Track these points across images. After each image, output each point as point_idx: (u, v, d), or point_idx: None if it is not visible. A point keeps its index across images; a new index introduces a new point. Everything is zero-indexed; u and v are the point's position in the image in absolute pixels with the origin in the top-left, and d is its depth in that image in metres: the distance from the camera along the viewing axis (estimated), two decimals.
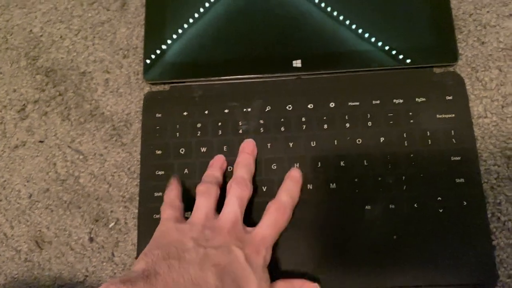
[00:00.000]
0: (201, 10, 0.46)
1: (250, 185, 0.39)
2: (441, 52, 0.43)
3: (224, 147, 0.42)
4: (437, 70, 0.43)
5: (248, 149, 0.41)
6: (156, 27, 0.46)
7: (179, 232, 0.34)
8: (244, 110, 0.43)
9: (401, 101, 0.42)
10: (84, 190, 0.43)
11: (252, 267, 0.33)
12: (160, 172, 0.42)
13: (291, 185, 0.39)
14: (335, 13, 0.44)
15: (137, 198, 0.42)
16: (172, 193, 0.39)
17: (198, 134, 0.42)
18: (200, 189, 0.38)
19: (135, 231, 0.41)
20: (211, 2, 0.46)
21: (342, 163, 0.41)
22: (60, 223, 0.42)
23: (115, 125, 0.44)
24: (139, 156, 0.43)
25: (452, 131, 0.41)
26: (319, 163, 0.41)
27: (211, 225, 0.35)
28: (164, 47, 0.45)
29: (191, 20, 0.45)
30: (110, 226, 0.42)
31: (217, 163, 0.41)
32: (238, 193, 0.37)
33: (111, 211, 0.42)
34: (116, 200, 0.42)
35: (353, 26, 0.44)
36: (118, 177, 0.43)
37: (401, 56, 0.43)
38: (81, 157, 0.44)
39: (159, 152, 0.42)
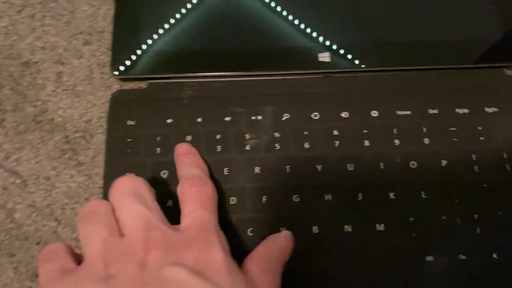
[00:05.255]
0: None
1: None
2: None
3: (225, 169, 0.30)
4: (508, 72, 0.32)
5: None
6: (130, 4, 0.33)
7: None
8: (253, 118, 0.31)
9: (466, 111, 0.31)
10: (21, 230, 0.30)
11: (208, 276, 0.21)
12: None
13: (187, 158, 0.29)
14: None
15: None
16: None
17: None
18: (81, 213, 0.24)
19: None
20: None
21: (391, 195, 0.29)
22: None
23: (69, 137, 0.31)
24: (101, 181, 0.30)
25: None
26: (360, 195, 0.29)
27: (116, 253, 0.22)
28: (141, 30, 0.33)
29: None
30: None
31: None
32: (127, 190, 0.24)
33: None
34: None
35: (410, 14, 0.33)
36: (70, 211, 0.30)
37: (462, 52, 0.32)
38: (18, 181, 0.31)
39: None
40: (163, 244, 0.22)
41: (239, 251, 0.25)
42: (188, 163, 0.28)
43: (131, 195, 0.24)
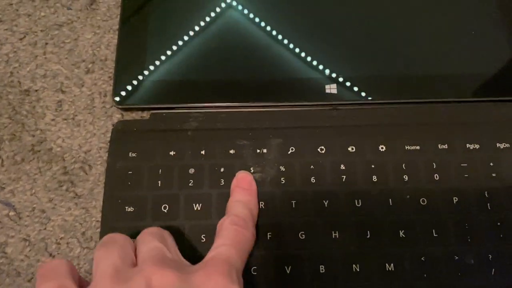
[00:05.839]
0: (202, 12, 0.33)
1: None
2: None
3: None
4: None
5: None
6: (134, 33, 0.33)
7: None
8: (258, 151, 0.30)
9: (476, 146, 0.30)
10: (12, 266, 0.28)
11: None
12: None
13: (244, 194, 0.28)
14: (388, 25, 0.33)
15: None
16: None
17: (190, 184, 0.29)
18: (100, 242, 0.24)
19: None
20: (216, 2, 0.34)
21: (401, 234, 0.28)
22: None
23: (67, 168, 0.30)
24: (99, 215, 0.29)
25: None
26: (368, 232, 0.28)
27: (126, 277, 0.21)
28: (145, 59, 0.32)
29: (185, 25, 0.33)
30: None
31: None
32: (151, 231, 0.25)
33: None
34: None
35: (421, 49, 0.32)
36: (66, 245, 0.29)
37: (473, 86, 0.32)
38: (11, 213, 0.29)
39: (130, 209, 0.28)
40: (177, 273, 0.21)
41: None
42: (242, 200, 0.27)
43: (154, 234, 0.24)
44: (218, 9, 0.33)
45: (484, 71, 0.32)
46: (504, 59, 0.32)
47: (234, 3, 0.33)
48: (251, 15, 0.33)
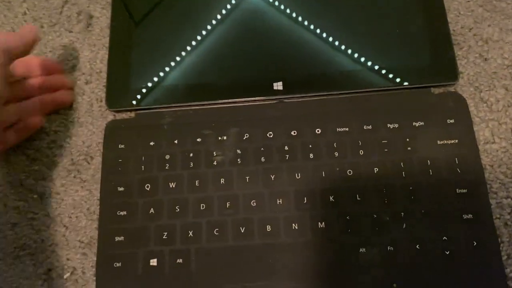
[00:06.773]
0: (171, 31, 0.41)
1: None
2: (439, 70, 0.38)
3: (196, 181, 0.37)
4: (435, 91, 0.38)
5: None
6: (121, 49, 0.41)
7: None
8: (219, 138, 0.38)
9: (396, 125, 0.37)
10: (38, 235, 0.37)
11: None
12: (122, 213, 0.36)
13: None
14: (319, 31, 0.40)
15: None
16: None
17: (166, 167, 0.37)
18: None
19: (94, 282, 0.36)
20: (182, 23, 0.41)
21: (331, 198, 0.35)
22: (7, 274, 0.36)
23: (74, 159, 0.39)
24: (99, 194, 0.37)
25: (456, 159, 0.36)
26: (305, 198, 0.35)
27: None
28: (129, 70, 0.40)
29: (159, 41, 0.41)
30: (65, 276, 0.36)
31: None
32: None
33: (67, 259, 0.37)
34: (73, 245, 0.37)
35: (340, 45, 0.39)
36: (76, 218, 0.37)
37: (394, 76, 0.38)
38: (35, 196, 0.38)
39: (121, 189, 0.37)
40: None
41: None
42: None
43: None
44: (200, 36, 0.41)
45: (406, 63, 0.38)
46: (423, 53, 0.39)
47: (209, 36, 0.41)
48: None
